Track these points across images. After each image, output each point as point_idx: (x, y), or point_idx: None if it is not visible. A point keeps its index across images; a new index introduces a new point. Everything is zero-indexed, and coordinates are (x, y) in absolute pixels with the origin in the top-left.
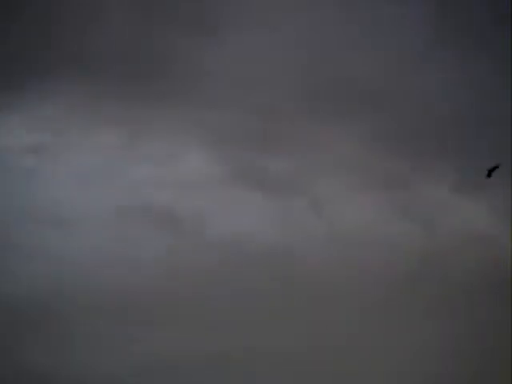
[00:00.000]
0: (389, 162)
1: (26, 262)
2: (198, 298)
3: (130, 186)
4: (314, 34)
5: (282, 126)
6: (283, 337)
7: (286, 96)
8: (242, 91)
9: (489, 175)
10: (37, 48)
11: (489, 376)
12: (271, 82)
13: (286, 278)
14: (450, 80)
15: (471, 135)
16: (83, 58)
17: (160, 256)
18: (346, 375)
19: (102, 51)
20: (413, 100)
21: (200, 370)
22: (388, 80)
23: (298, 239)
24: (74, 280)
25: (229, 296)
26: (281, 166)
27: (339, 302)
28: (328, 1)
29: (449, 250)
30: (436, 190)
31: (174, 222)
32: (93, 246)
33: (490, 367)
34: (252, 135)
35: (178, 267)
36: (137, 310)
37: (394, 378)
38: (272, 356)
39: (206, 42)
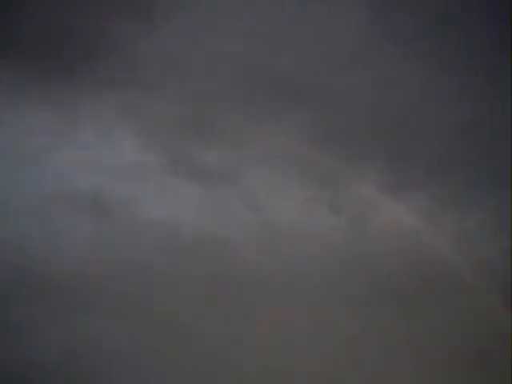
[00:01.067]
0: (321, 159)
1: None
2: (131, 285)
3: (61, 171)
4: (254, 27)
5: (219, 117)
6: (214, 325)
7: (224, 88)
8: (179, 79)
9: None
10: None
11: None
12: (209, 72)
13: (220, 268)
14: (388, 80)
15: (403, 136)
16: (15, 43)
17: (90, 243)
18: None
19: (36, 36)
20: (349, 100)
21: (127, 361)
22: (326, 79)
23: (230, 230)
24: None
25: (161, 284)
26: (215, 156)
27: (271, 294)
28: None
29: (377, 248)
30: (366, 189)
31: (106, 208)
32: (19, 232)
33: (421, 368)
34: (188, 124)
35: (110, 254)
36: (64, 297)
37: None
38: (203, 347)
39: (142, 29)
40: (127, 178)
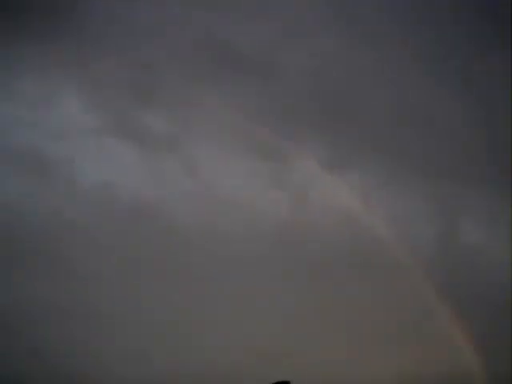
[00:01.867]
0: (266, 133)
1: None
2: (67, 246)
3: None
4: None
5: (167, 84)
6: (146, 289)
7: (174, 56)
8: (129, 43)
9: None
10: None
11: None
12: (159, 36)
13: (156, 234)
14: (334, 58)
15: (348, 115)
16: None
17: (27, 203)
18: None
19: None
20: (296, 76)
21: (55, 317)
22: (274, 54)
23: (169, 197)
24: None
25: (97, 246)
26: (160, 123)
27: (207, 263)
28: None
29: (316, 224)
30: (308, 164)
31: (45, 168)
32: None
33: (352, 339)
34: (133, 88)
35: (47, 213)
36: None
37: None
38: (136, 309)
39: None
40: (68, 138)
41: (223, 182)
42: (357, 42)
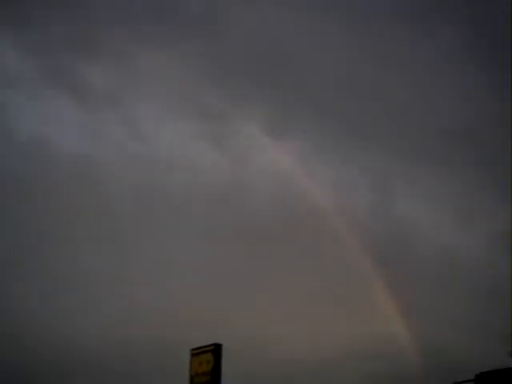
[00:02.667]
0: (209, 96)
1: None
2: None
3: None
4: None
5: (114, 41)
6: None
7: (121, 14)
8: None
9: None
10: None
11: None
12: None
13: (91, 190)
14: (279, 17)
15: (291, 80)
16: None
17: None
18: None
19: None
20: (240, 36)
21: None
22: (221, 13)
23: (109, 155)
24: None
25: (35, 204)
26: (102, 80)
27: (142, 222)
28: None
29: (253, 185)
30: (249, 129)
31: None
32: None
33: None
34: (79, 42)
35: None
36: None
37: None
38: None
39: None
40: (4, 88)
41: (165, 143)
42: (311, 3)
